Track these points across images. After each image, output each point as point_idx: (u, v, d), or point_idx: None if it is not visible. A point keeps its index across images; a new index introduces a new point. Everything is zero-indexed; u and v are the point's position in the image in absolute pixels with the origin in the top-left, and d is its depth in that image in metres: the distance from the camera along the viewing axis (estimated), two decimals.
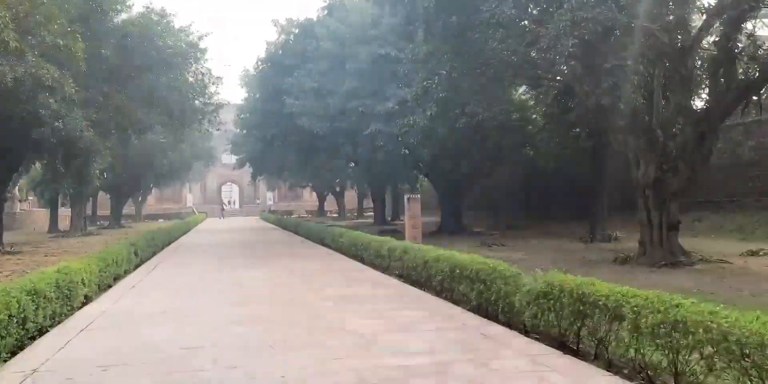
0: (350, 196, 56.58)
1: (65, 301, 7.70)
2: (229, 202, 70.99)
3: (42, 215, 43.72)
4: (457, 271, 7.84)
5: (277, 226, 36.97)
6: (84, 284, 8.60)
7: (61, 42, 11.88)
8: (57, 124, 15.35)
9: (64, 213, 37.84)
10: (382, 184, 33.95)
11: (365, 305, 8.14)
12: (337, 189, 49.40)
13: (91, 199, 42.87)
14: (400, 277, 11.02)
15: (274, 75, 21.37)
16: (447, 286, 8.44)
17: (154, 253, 17.47)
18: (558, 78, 13.59)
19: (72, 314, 7.94)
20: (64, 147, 17.05)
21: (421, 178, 42.68)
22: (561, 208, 27.63)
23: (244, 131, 33.77)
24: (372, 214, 55.43)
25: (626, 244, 16.20)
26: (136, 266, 14.14)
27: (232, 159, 59.97)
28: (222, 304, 8.66)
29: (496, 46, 10.92)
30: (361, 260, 13.86)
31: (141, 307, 8.48)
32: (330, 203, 58.95)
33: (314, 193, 59.68)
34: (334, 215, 54.93)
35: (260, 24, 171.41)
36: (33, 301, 6.44)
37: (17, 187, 40.02)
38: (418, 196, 14.18)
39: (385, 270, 12.09)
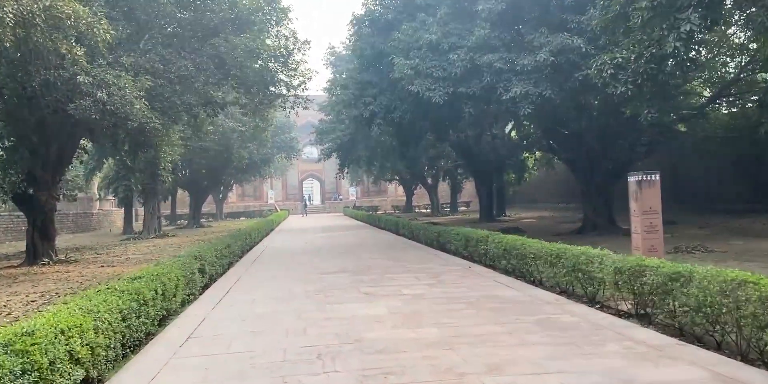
0: (440, 190, 51.37)
1: None
2: (309, 198, 67.64)
3: (120, 215, 41.62)
4: None
5: (367, 224, 32.64)
6: (76, 361, 4.31)
7: None
8: (100, 94, 11.46)
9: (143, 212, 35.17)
10: (488, 173, 28.73)
11: None
12: (430, 181, 43.98)
13: (170, 197, 40.30)
14: (635, 318, 6.20)
15: (375, 34, 16.74)
16: None
17: (230, 265, 13.38)
18: None
19: None
20: (115, 127, 13.20)
21: (531, 167, 37.18)
22: (720, 199, 22.40)
23: (330, 116, 29.57)
24: (465, 209, 50.46)
25: None
26: (203, 288, 10.00)
27: (314, 153, 56.67)
28: None
29: None
30: (533, 282, 9.06)
31: None
32: (417, 198, 54.10)
33: (401, 187, 54.97)
34: (425, 210, 50.14)
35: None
36: None
37: (96, 186, 37.83)
38: (657, 177, 8.82)
39: (592, 300, 7.34)
